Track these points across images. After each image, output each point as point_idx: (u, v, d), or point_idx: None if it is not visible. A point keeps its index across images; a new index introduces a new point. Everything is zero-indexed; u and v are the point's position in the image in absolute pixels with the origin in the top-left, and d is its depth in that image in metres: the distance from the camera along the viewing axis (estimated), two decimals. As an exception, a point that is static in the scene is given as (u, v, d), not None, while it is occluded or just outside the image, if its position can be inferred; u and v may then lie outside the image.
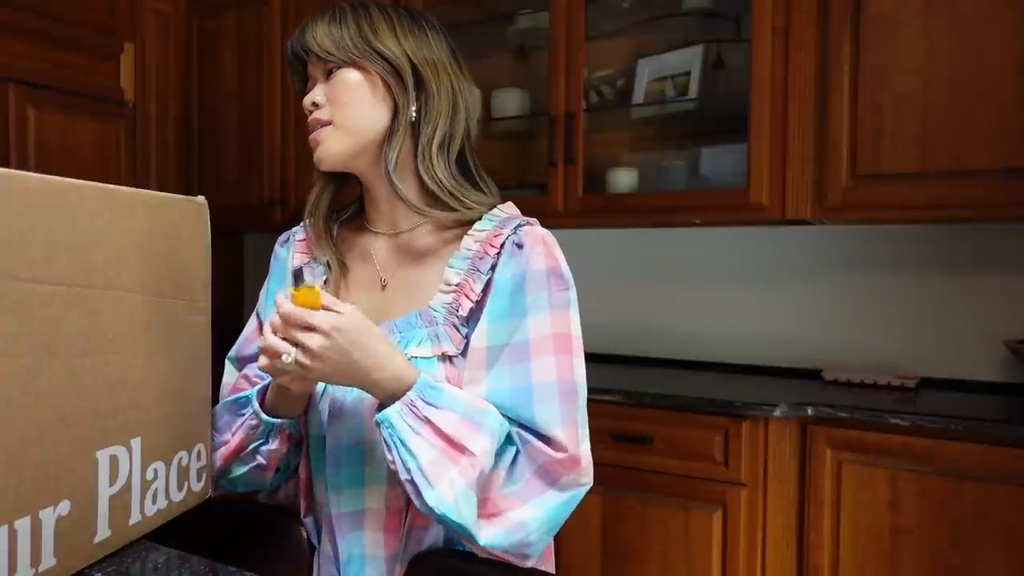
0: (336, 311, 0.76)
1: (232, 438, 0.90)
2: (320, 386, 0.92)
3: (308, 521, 0.96)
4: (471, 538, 0.80)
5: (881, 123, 1.78)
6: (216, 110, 2.95)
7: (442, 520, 0.78)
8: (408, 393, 0.79)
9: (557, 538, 0.94)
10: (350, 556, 0.89)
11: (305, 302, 0.75)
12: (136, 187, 0.74)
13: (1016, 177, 1.65)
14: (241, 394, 0.92)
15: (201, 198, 0.82)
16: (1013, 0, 1.65)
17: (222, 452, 0.90)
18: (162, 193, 0.76)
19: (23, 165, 2.42)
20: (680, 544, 1.78)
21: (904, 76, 1.75)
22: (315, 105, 0.92)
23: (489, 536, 0.81)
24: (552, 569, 0.98)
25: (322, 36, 0.90)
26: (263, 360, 0.78)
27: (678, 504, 1.79)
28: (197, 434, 0.82)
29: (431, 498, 0.77)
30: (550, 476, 0.84)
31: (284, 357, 0.76)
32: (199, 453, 0.82)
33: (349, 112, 0.90)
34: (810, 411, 1.67)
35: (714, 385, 1.96)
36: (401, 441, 0.78)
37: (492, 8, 2.42)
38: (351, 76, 0.90)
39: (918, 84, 1.74)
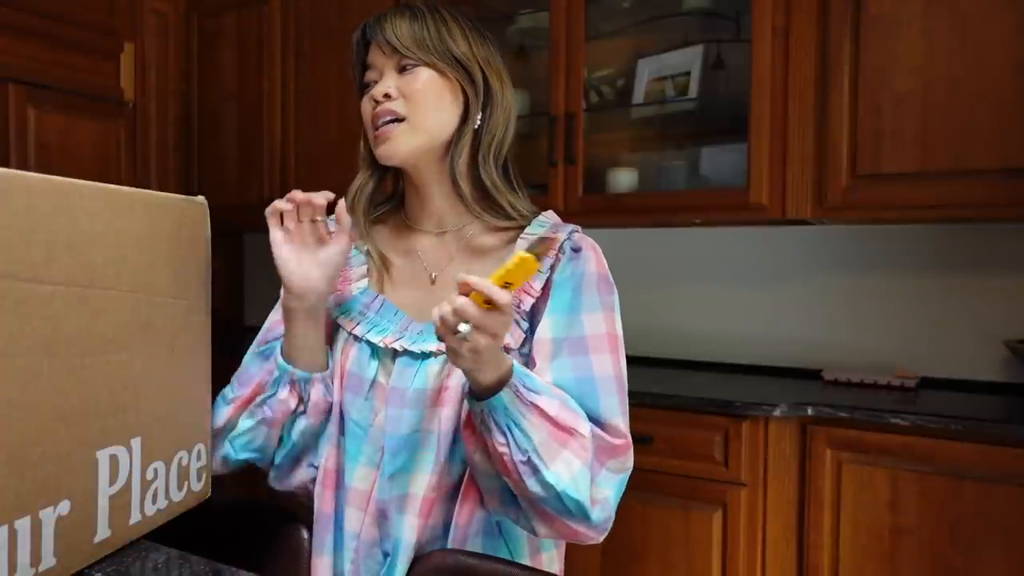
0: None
1: (248, 391, 0.95)
2: (370, 375, 0.93)
3: (326, 512, 0.95)
4: (585, 516, 0.82)
5: (881, 123, 1.78)
6: (216, 110, 2.95)
7: (560, 497, 0.80)
8: (512, 380, 0.80)
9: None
10: (397, 539, 0.91)
11: (524, 269, 0.72)
12: (136, 187, 0.74)
13: (1016, 177, 1.65)
14: (267, 345, 0.98)
15: (201, 198, 0.82)
16: (1013, 0, 1.65)
17: (235, 405, 0.95)
18: (162, 193, 0.76)
19: (23, 165, 2.42)
20: (680, 544, 1.78)
21: (904, 76, 1.75)
22: (387, 96, 0.94)
23: (594, 514, 0.84)
24: (557, 570, 0.99)
25: (404, 33, 0.93)
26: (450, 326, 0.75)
27: (678, 504, 1.79)
28: (197, 434, 0.82)
29: (551, 476, 0.80)
30: (605, 457, 0.87)
31: (461, 326, 0.73)
32: (199, 453, 0.82)
33: (425, 111, 0.93)
34: (810, 411, 1.67)
35: (714, 385, 1.96)
36: (516, 424, 0.80)
37: (492, 8, 2.42)
38: (429, 76, 0.94)
39: (918, 84, 1.74)
